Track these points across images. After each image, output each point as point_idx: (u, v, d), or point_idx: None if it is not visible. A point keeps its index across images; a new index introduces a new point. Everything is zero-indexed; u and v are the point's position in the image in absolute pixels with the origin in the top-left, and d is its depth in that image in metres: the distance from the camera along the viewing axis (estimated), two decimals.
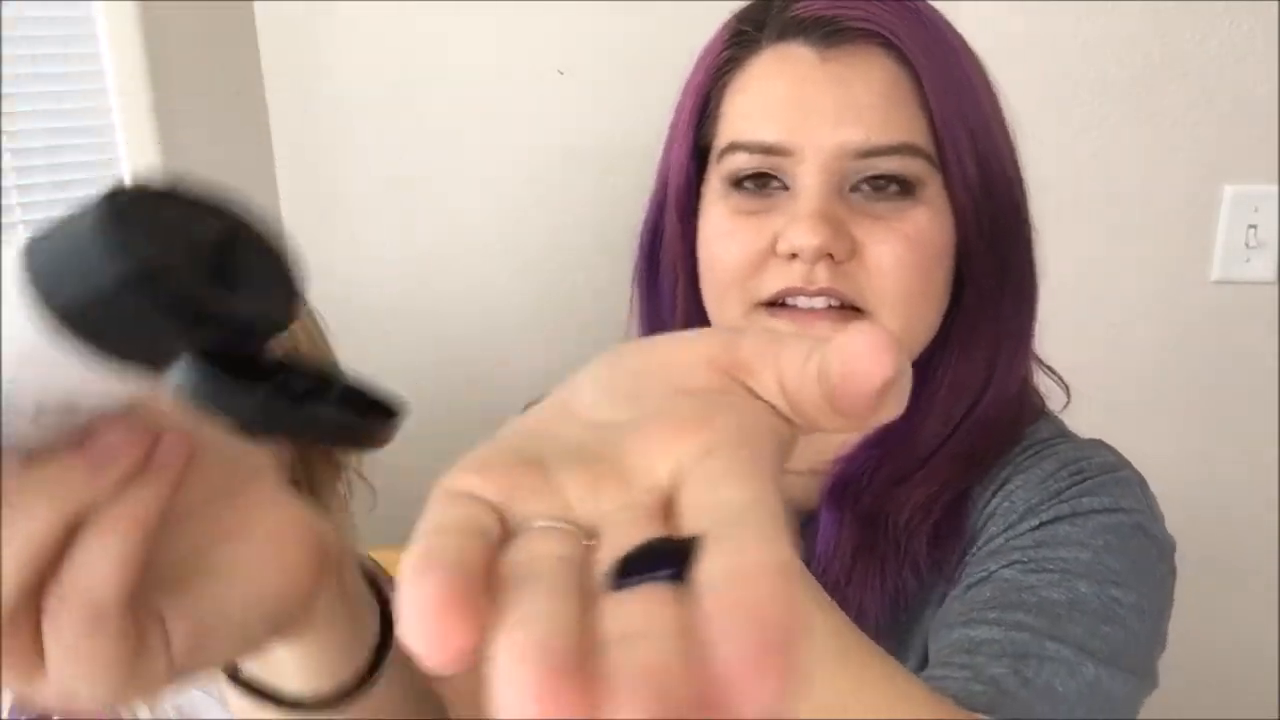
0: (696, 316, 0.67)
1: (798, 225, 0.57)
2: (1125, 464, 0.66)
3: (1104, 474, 0.63)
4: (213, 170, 1.49)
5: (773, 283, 0.59)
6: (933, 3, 0.65)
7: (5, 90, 1.24)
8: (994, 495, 0.64)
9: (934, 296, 0.62)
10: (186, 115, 1.43)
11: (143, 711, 0.68)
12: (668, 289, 0.68)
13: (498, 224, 1.50)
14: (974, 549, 0.62)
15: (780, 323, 0.59)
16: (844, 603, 0.61)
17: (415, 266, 1.57)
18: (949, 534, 0.62)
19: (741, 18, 0.64)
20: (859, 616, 0.61)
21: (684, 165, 0.65)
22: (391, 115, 1.52)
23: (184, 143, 1.42)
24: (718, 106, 0.63)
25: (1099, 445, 0.68)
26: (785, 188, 0.59)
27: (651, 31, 1.36)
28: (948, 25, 0.64)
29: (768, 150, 0.59)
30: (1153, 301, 1.33)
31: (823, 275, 0.57)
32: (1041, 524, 0.60)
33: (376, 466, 1.63)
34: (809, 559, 0.64)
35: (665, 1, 1.33)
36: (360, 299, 1.61)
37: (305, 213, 1.60)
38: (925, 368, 0.65)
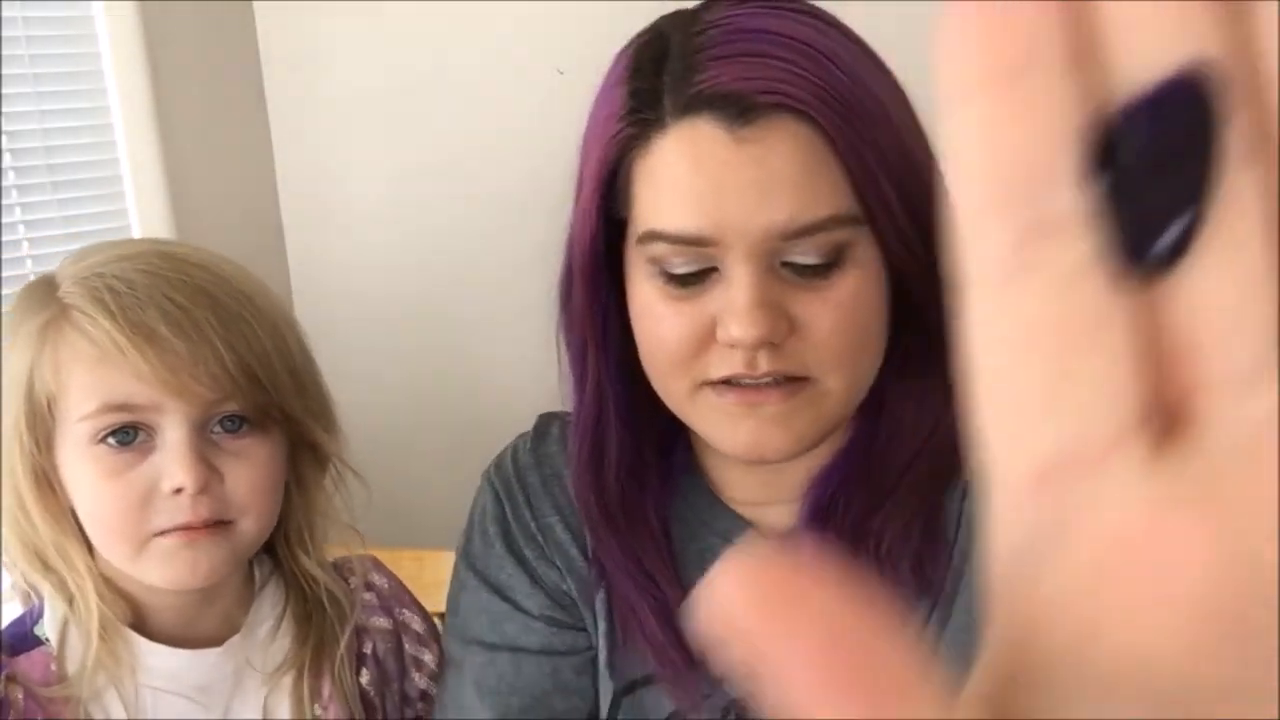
0: (611, 382, 0.68)
1: (736, 318, 0.57)
2: None
3: None
4: (212, 170, 1.49)
5: (718, 368, 0.60)
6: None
7: (5, 90, 1.24)
8: (963, 498, 0.65)
9: (873, 347, 0.63)
10: (186, 115, 1.43)
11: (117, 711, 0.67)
12: (578, 351, 0.70)
13: (497, 224, 1.50)
14: (961, 559, 0.63)
15: (728, 401, 0.60)
16: None
17: (414, 266, 1.57)
18: (930, 556, 0.63)
19: (634, 90, 0.61)
20: None
21: (591, 241, 0.64)
22: (391, 115, 1.52)
23: (184, 143, 1.42)
24: (627, 185, 0.62)
25: None
26: (715, 269, 0.59)
27: None
28: (850, 49, 0.60)
29: (690, 241, 0.58)
30: None
31: (765, 361, 0.58)
32: None
33: (386, 469, 1.63)
34: None
35: (665, 2, 1.33)
36: (360, 298, 1.61)
37: (304, 213, 1.60)
38: (884, 393, 0.65)
